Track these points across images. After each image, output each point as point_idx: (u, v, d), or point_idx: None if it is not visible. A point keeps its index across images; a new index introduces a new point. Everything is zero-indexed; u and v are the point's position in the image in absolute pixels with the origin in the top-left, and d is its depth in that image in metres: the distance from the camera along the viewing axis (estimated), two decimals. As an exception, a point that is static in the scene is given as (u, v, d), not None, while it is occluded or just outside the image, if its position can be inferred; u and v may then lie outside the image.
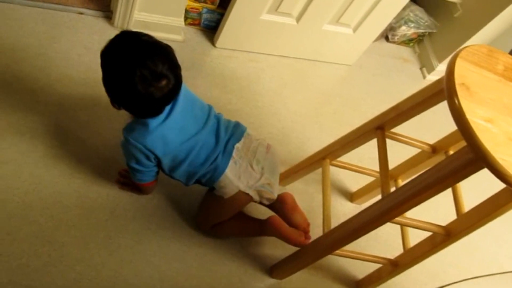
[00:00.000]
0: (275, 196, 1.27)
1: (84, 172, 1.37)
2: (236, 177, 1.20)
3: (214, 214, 1.32)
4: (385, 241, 1.66)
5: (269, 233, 1.34)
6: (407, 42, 2.36)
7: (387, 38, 2.33)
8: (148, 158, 1.16)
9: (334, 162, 1.38)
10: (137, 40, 1.04)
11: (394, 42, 2.35)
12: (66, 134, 1.41)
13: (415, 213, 1.57)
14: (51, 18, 1.63)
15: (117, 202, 1.36)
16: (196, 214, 1.40)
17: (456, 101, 0.84)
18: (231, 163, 1.20)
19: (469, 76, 0.90)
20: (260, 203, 1.30)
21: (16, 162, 1.30)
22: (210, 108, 1.27)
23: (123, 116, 1.51)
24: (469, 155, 0.86)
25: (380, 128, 1.16)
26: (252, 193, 1.22)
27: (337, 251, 1.22)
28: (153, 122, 1.10)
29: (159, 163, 1.21)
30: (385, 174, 1.10)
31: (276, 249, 1.48)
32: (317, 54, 1.99)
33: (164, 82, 1.03)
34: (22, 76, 1.46)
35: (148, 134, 1.11)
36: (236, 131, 1.26)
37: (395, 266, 1.33)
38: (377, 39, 2.25)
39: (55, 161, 1.35)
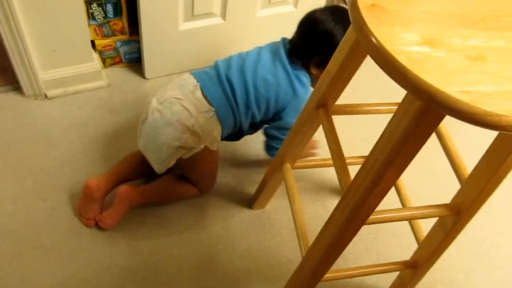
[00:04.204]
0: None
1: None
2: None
3: None
4: (409, 233, 1.34)
5: None
6: None
7: (345, 2, 2.04)
8: None
9: (297, 164, 1.09)
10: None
11: (355, 6, 2.05)
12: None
13: (420, 197, 1.27)
14: (-44, 109, 1.45)
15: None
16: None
17: (367, 32, 0.56)
18: None
19: (384, -6, 0.62)
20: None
21: None
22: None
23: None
24: (416, 103, 0.57)
25: (322, 106, 0.88)
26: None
27: (327, 276, 0.92)
28: None
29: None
30: (341, 164, 0.81)
31: (268, 286, 1.20)
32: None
33: None
34: None
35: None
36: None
37: (414, 268, 1.02)
38: (333, 9, 1.97)
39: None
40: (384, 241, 1.34)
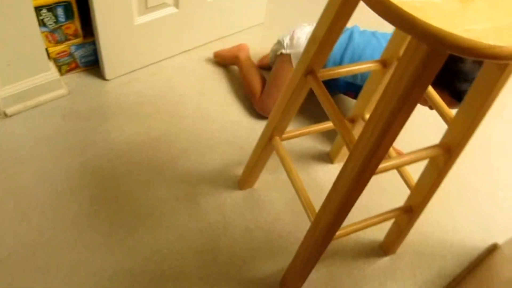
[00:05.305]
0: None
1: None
2: None
3: None
4: (394, 185, 1.41)
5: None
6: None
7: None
8: None
9: (285, 135, 1.12)
10: None
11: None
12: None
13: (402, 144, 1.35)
14: None
15: None
16: None
17: (369, -11, 0.59)
18: None
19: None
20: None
21: None
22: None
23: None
24: (422, 48, 0.61)
25: (309, 73, 0.91)
26: None
27: (338, 233, 0.97)
28: None
29: None
30: (341, 123, 0.84)
31: (273, 260, 1.23)
32: (220, 30, 1.73)
33: None
34: None
35: None
36: None
37: (410, 212, 1.09)
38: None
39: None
40: (370, 196, 1.40)
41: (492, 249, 1.36)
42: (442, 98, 1.18)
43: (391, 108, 0.68)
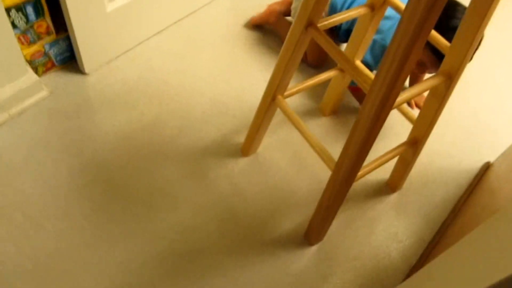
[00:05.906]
0: None
1: None
2: None
3: None
4: (390, 127, 1.47)
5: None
6: None
7: None
8: None
9: (287, 93, 1.15)
10: None
11: None
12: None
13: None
14: None
15: None
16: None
17: None
18: None
19: None
20: None
21: None
22: None
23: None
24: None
25: (309, 25, 0.93)
26: None
27: (358, 174, 1.01)
28: None
29: None
30: (352, 66, 0.88)
31: (292, 215, 1.28)
32: (189, 6, 1.71)
33: None
34: None
35: None
36: None
37: (415, 143, 1.15)
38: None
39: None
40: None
41: (486, 167, 1.45)
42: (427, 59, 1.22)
43: (406, 41, 0.72)
